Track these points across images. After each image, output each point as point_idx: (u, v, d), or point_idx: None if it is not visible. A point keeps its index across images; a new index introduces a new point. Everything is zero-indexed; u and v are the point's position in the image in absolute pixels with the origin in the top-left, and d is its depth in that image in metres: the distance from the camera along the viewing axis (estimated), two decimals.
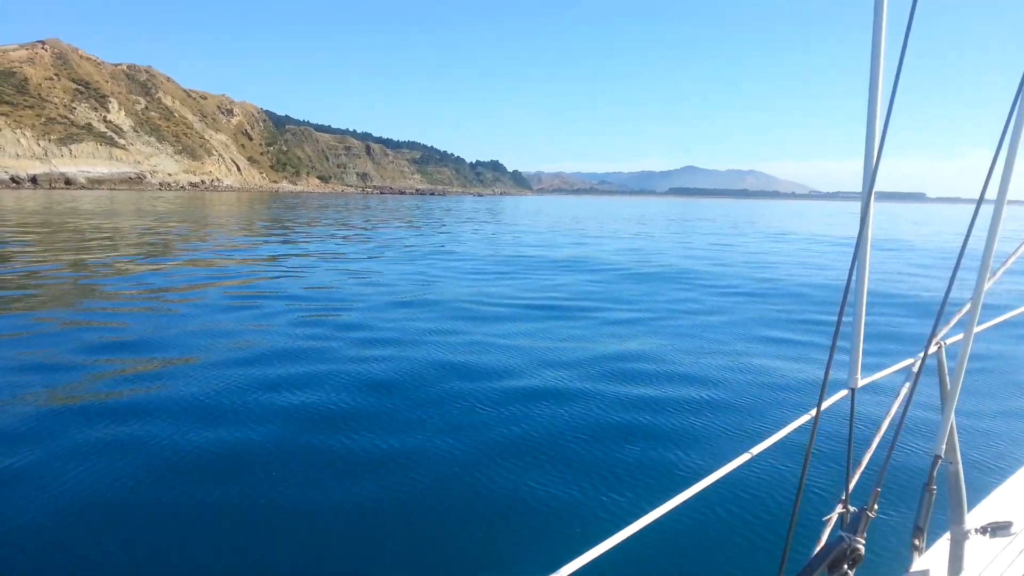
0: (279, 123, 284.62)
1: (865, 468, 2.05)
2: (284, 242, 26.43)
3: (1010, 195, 1.84)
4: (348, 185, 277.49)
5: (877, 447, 2.08)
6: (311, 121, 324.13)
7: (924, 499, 2.17)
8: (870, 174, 1.71)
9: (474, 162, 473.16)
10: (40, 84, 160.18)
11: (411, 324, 10.65)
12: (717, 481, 1.90)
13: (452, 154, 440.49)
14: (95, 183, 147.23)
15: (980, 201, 1.72)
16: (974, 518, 2.45)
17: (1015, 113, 1.69)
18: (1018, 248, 2.31)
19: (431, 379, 7.62)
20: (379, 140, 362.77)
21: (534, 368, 8.21)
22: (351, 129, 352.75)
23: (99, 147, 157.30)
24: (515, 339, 9.86)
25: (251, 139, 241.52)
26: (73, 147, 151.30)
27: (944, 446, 2.10)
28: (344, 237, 30.10)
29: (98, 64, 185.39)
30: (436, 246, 26.32)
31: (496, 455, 5.55)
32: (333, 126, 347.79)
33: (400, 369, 8.02)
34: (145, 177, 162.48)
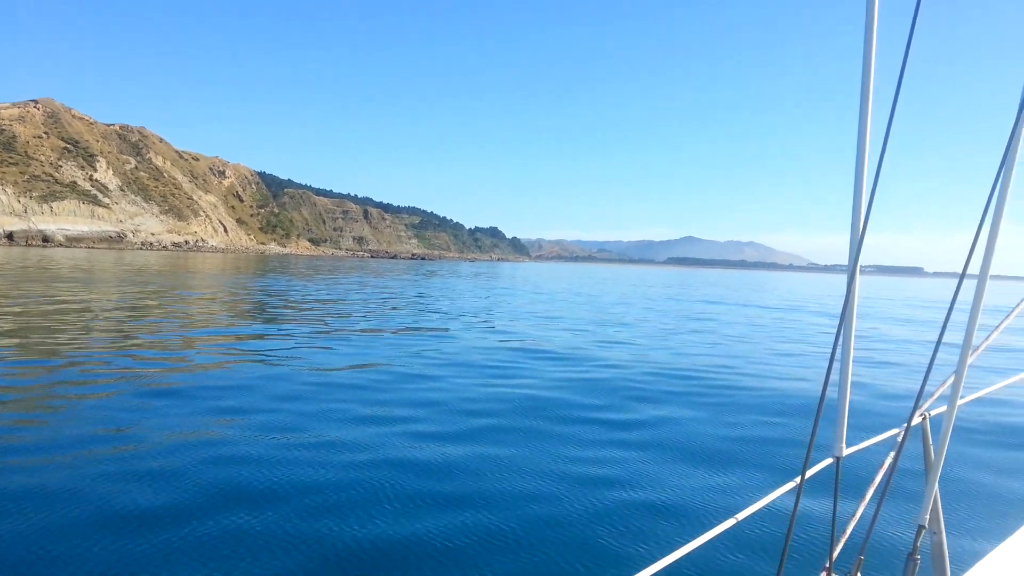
0: (279, 186, 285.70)
1: (849, 536, 2.05)
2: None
3: (993, 269, 1.86)
4: (339, 248, 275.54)
5: (861, 515, 2.08)
6: (313, 185, 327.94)
7: (908, 568, 2.16)
8: (855, 247, 1.73)
9: (473, 228, 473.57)
10: (28, 142, 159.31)
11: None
12: (701, 546, 1.88)
13: (451, 220, 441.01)
14: (74, 241, 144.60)
15: (963, 275, 1.73)
16: None
17: (996, 189, 1.72)
18: (1001, 322, 2.32)
19: None
20: (379, 205, 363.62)
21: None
22: (352, 194, 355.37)
23: (81, 205, 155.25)
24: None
25: (242, 201, 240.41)
26: (55, 204, 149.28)
27: (928, 516, 2.11)
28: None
29: (90, 124, 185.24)
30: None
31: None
32: (335, 190, 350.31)
33: None
34: (126, 236, 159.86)
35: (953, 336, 1.75)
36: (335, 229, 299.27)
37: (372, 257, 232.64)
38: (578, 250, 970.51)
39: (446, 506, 5.76)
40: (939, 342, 1.73)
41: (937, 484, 2.09)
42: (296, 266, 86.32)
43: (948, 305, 1.70)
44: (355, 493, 5.95)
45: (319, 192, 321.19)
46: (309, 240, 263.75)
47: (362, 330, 18.54)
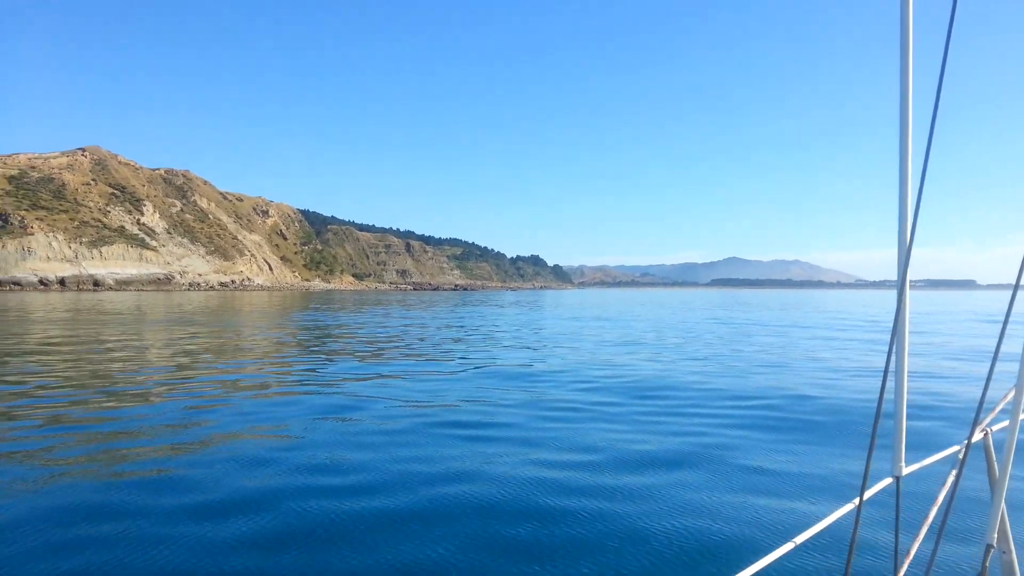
0: (322, 223, 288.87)
1: (913, 558, 1.99)
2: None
3: None
4: (382, 282, 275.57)
5: (925, 536, 2.02)
6: (356, 221, 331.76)
7: None
8: (903, 260, 1.71)
9: (514, 257, 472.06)
10: (77, 189, 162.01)
11: None
12: (760, 571, 1.86)
13: (492, 249, 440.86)
14: (123, 284, 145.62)
15: (1017, 286, 1.69)
16: None
17: None
18: None
19: None
20: (420, 237, 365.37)
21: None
22: (395, 227, 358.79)
23: (129, 248, 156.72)
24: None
25: (285, 239, 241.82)
26: (104, 249, 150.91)
27: (996, 534, 2.05)
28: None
29: (136, 169, 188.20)
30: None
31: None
32: (377, 225, 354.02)
33: None
34: (174, 278, 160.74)
35: (1011, 347, 1.72)
36: (378, 263, 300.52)
37: (415, 289, 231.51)
38: (621, 275, 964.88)
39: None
40: (996, 354, 1.70)
41: (1004, 501, 2.02)
42: (345, 300, 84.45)
43: (1004, 317, 1.67)
44: None
45: (362, 227, 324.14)
46: (353, 275, 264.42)
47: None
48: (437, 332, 29.61)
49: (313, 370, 16.18)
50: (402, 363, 17.69)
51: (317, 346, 22.83)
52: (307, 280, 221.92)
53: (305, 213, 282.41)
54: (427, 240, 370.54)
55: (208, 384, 13.72)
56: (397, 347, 22.39)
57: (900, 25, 1.65)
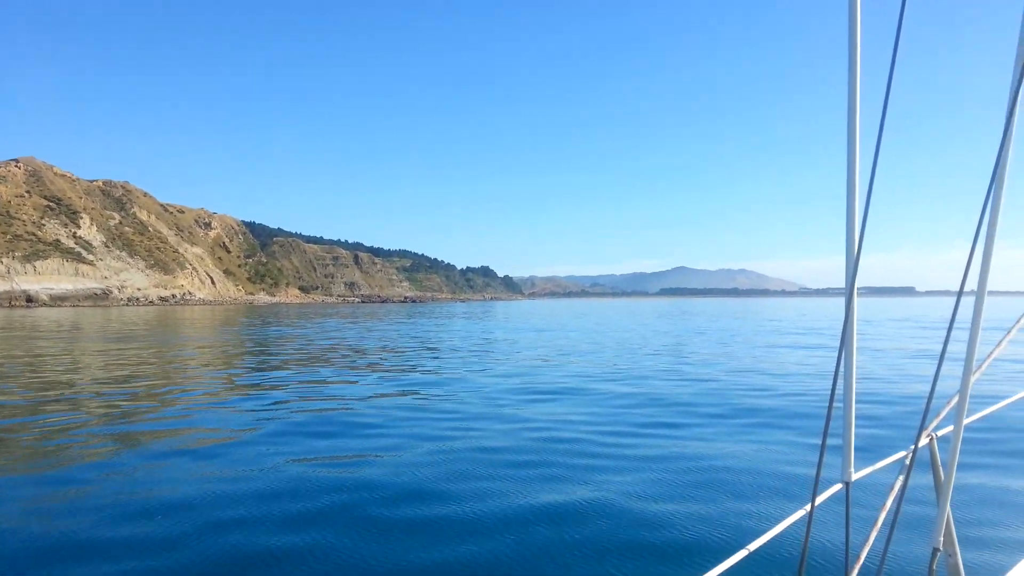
0: (268, 235, 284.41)
1: (863, 562, 2.01)
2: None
3: (990, 285, 1.83)
4: (330, 295, 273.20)
5: (875, 540, 2.05)
6: (303, 233, 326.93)
7: None
8: (851, 268, 1.74)
9: (464, 268, 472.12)
10: (9, 202, 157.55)
11: None
12: None
13: (443, 261, 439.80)
14: (58, 300, 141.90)
15: (960, 292, 1.71)
16: None
17: (989, 203, 1.70)
18: (1003, 338, 2.28)
19: None
20: (369, 249, 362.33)
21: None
22: (343, 239, 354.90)
23: (65, 263, 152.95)
24: None
25: (229, 252, 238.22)
26: (38, 264, 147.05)
27: (942, 538, 2.09)
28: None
29: (72, 180, 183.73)
30: None
31: None
32: (325, 237, 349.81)
33: None
34: (112, 292, 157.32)
35: (955, 353, 1.75)
36: (326, 276, 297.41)
37: (363, 302, 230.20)
38: (571, 285, 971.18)
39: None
40: (941, 361, 1.73)
41: (949, 505, 2.06)
42: (289, 314, 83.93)
43: (947, 323, 1.70)
44: None
45: (309, 239, 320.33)
46: (300, 288, 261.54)
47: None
48: (403, 342, 30.28)
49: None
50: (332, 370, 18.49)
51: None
52: (251, 294, 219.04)
53: (251, 225, 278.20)
54: (376, 252, 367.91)
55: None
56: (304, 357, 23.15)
57: (848, 37, 1.68)
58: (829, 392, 1.71)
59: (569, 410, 12.80)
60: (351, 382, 17.50)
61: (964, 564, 2.29)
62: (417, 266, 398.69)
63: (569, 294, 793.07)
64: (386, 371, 20.05)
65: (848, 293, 1.73)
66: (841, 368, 1.76)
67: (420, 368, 21.01)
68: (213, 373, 20.25)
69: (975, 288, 1.80)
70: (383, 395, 15.06)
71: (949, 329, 1.71)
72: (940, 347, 1.74)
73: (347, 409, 13.15)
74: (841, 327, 1.77)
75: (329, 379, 18.06)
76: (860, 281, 1.67)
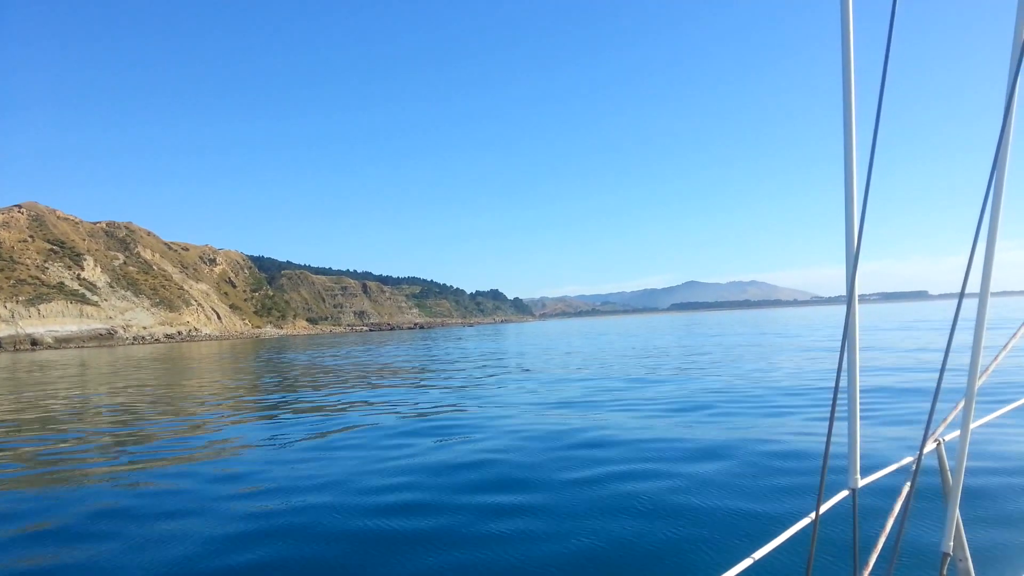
0: (276, 268, 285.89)
1: (872, 569, 2.00)
2: None
3: (993, 287, 1.81)
4: (339, 325, 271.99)
5: (883, 547, 2.03)
6: (311, 264, 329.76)
7: None
8: (851, 272, 1.72)
9: (474, 292, 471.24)
10: (13, 247, 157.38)
11: None
12: None
13: (452, 286, 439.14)
14: (63, 342, 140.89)
15: (962, 295, 1.69)
16: None
17: (988, 205, 1.68)
18: (1009, 341, 2.25)
19: None
20: (378, 278, 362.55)
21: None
22: (352, 269, 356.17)
23: (69, 305, 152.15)
24: None
25: (234, 286, 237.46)
26: (42, 307, 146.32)
27: (952, 543, 2.08)
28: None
29: (76, 223, 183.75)
30: None
31: None
32: (333, 267, 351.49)
33: None
34: (117, 332, 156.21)
35: (960, 357, 1.68)
36: (335, 306, 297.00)
37: (371, 330, 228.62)
38: (582, 305, 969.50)
39: None
40: (944, 365, 1.70)
41: (958, 510, 2.04)
42: (297, 345, 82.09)
43: (951, 326, 1.67)
44: None
45: (317, 271, 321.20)
46: (308, 319, 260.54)
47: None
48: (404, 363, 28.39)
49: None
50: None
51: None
52: (258, 327, 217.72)
53: (258, 260, 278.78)
54: (385, 280, 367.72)
55: None
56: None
57: (841, 46, 1.67)
58: (844, 396, 1.66)
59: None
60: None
61: (975, 570, 2.25)
62: (426, 292, 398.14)
63: (580, 313, 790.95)
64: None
65: (849, 296, 1.71)
66: (844, 374, 1.72)
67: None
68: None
69: (978, 290, 1.78)
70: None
71: (951, 334, 1.68)
72: (941, 350, 1.64)
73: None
74: (842, 329, 1.73)
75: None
76: (871, 287, 1.82)
